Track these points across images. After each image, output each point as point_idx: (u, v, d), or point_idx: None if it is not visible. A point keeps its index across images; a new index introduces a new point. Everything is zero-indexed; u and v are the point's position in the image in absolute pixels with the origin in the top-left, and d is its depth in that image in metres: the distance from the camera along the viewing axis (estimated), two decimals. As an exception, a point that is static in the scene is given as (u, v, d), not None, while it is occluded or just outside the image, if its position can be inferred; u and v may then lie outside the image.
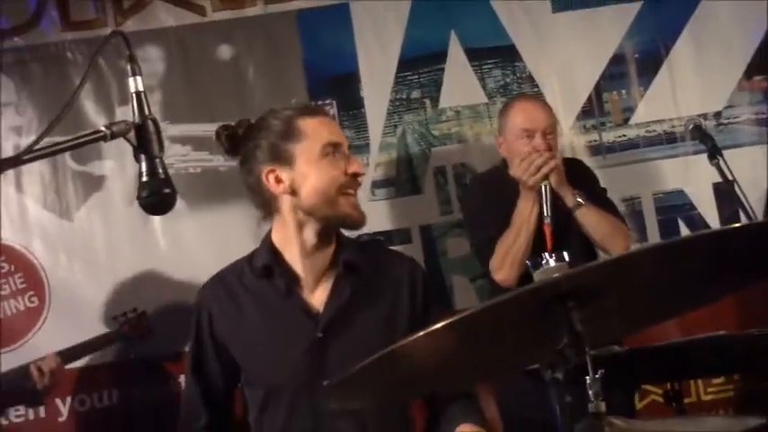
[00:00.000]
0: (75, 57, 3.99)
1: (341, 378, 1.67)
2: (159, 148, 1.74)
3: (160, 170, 1.73)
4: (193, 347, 2.63)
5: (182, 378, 3.80)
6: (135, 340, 3.77)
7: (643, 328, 1.97)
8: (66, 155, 3.94)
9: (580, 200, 3.30)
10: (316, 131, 2.51)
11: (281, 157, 2.50)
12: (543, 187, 3.25)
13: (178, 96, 3.99)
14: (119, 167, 3.99)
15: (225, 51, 4.06)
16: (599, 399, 1.54)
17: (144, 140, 1.72)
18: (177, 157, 3.93)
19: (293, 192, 2.50)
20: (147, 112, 1.73)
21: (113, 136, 1.68)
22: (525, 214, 3.26)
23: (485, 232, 3.39)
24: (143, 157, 1.72)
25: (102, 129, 1.68)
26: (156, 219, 3.96)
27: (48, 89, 3.99)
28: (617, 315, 1.60)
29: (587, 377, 1.53)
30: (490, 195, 3.49)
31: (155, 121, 1.74)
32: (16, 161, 1.66)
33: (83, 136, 1.71)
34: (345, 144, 2.56)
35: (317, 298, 2.54)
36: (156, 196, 1.73)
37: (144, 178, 1.72)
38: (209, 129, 3.97)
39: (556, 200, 3.28)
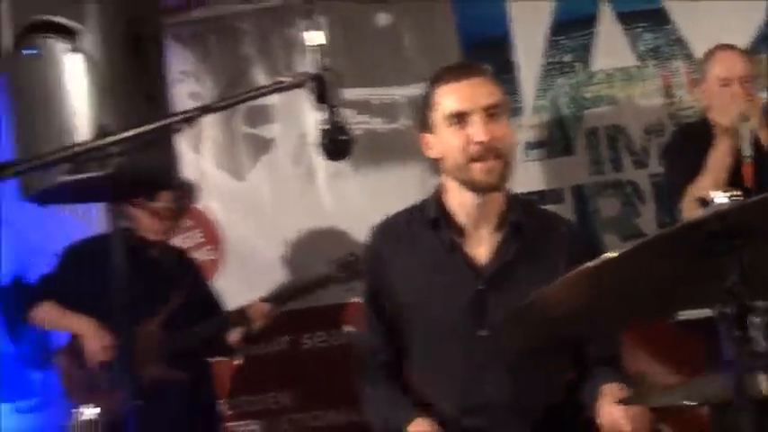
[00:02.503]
0: (247, 27, 4.18)
1: (505, 317, 1.68)
2: (337, 97, 1.77)
3: (337, 118, 1.77)
4: (367, 287, 2.67)
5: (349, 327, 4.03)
6: (345, 282, 3.79)
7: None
8: (239, 119, 4.14)
9: None
10: (444, 100, 2.48)
11: (427, 124, 2.53)
12: (744, 128, 3.29)
13: (340, 63, 4.05)
14: (286, 130, 4.16)
15: (383, 19, 4.16)
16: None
17: (322, 90, 1.76)
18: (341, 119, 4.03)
19: (438, 157, 2.53)
20: (324, 64, 1.77)
21: (293, 86, 1.75)
22: (720, 157, 3.34)
23: (680, 176, 3.45)
24: (322, 105, 1.77)
25: (283, 79, 1.75)
26: (321, 178, 4.14)
27: (223, 59, 4.20)
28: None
29: (751, 316, 1.47)
30: (690, 143, 3.55)
31: (335, 72, 1.78)
32: (206, 109, 1.77)
33: (265, 87, 1.83)
34: (480, 108, 2.45)
35: (482, 253, 2.53)
36: (335, 143, 1.78)
37: (323, 126, 1.77)
38: (368, 93, 4.09)
39: (757, 142, 3.32)
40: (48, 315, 3.69)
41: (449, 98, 2.47)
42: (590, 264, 1.44)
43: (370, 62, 4.11)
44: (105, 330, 3.55)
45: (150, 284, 3.43)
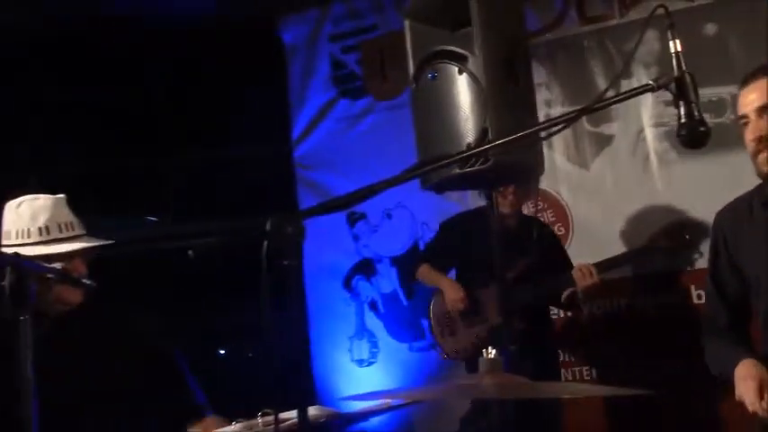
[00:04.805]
0: (589, 44, 4.64)
1: None
2: (695, 95, 1.86)
3: (695, 113, 1.84)
4: (711, 258, 2.87)
5: (692, 289, 4.31)
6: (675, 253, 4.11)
7: None
8: (583, 119, 4.53)
9: None
10: (737, 104, 2.69)
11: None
12: None
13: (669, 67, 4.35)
14: (624, 128, 4.53)
15: (710, 29, 4.38)
16: None
17: (682, 89, 1.86)
18: (671, 117, 4.28)
19: None
20: (683, 67, 1.89)
21: (659, 87, 1.87)
22: None
23: None
24: (681, 102, 1.86)
25: (650, 82, 1.88)
26: (654, 167, 4.46)
27: (569, 71, 4.67)
28: None
29: None
30: None
31: (691, 75, 1.88)
32: (584, 111, 1.98)
33: (635, 89, 1.93)
34: (753, 111, 2.59)
35: None
36: (693, 133, 1.85)
37: (682, 120, 1.85)
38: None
39: None
40: (424, 274, 4.36)
41: (738, 102, 2.71)
42: None
43: (700, 65, 4.20)
44: (460, 286, 4.13)
45: (506, 247, 3.75)
